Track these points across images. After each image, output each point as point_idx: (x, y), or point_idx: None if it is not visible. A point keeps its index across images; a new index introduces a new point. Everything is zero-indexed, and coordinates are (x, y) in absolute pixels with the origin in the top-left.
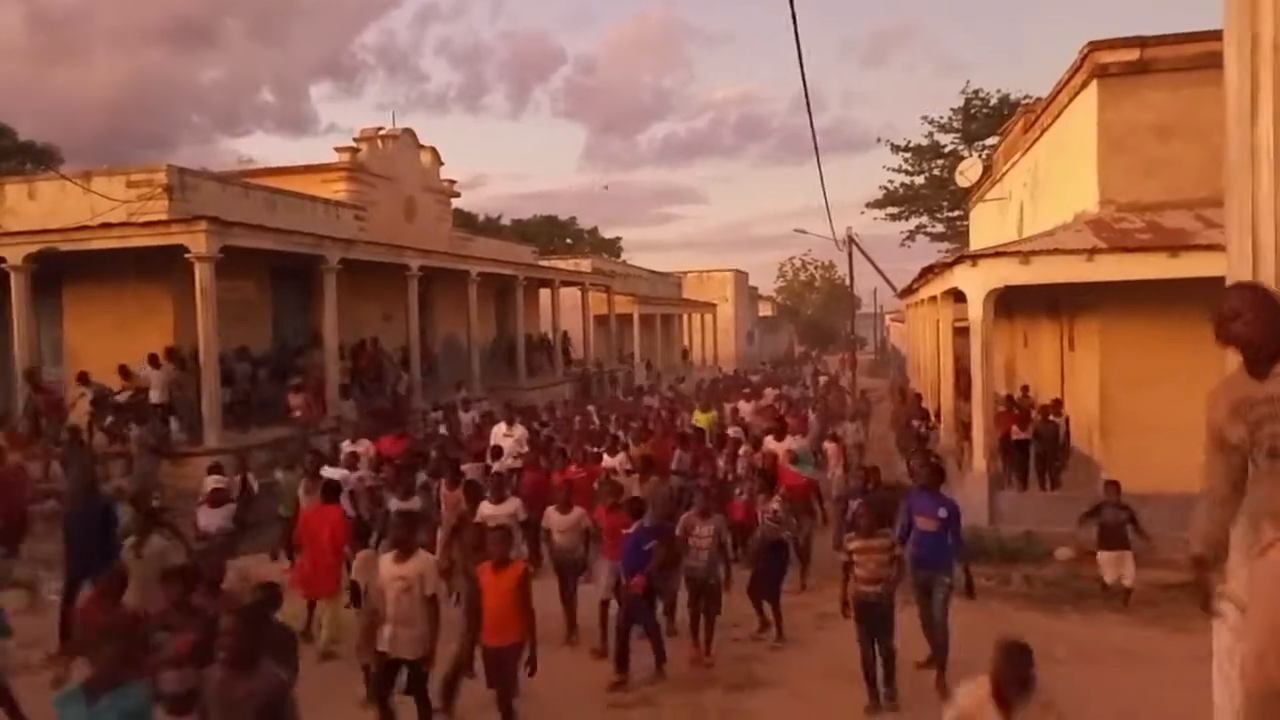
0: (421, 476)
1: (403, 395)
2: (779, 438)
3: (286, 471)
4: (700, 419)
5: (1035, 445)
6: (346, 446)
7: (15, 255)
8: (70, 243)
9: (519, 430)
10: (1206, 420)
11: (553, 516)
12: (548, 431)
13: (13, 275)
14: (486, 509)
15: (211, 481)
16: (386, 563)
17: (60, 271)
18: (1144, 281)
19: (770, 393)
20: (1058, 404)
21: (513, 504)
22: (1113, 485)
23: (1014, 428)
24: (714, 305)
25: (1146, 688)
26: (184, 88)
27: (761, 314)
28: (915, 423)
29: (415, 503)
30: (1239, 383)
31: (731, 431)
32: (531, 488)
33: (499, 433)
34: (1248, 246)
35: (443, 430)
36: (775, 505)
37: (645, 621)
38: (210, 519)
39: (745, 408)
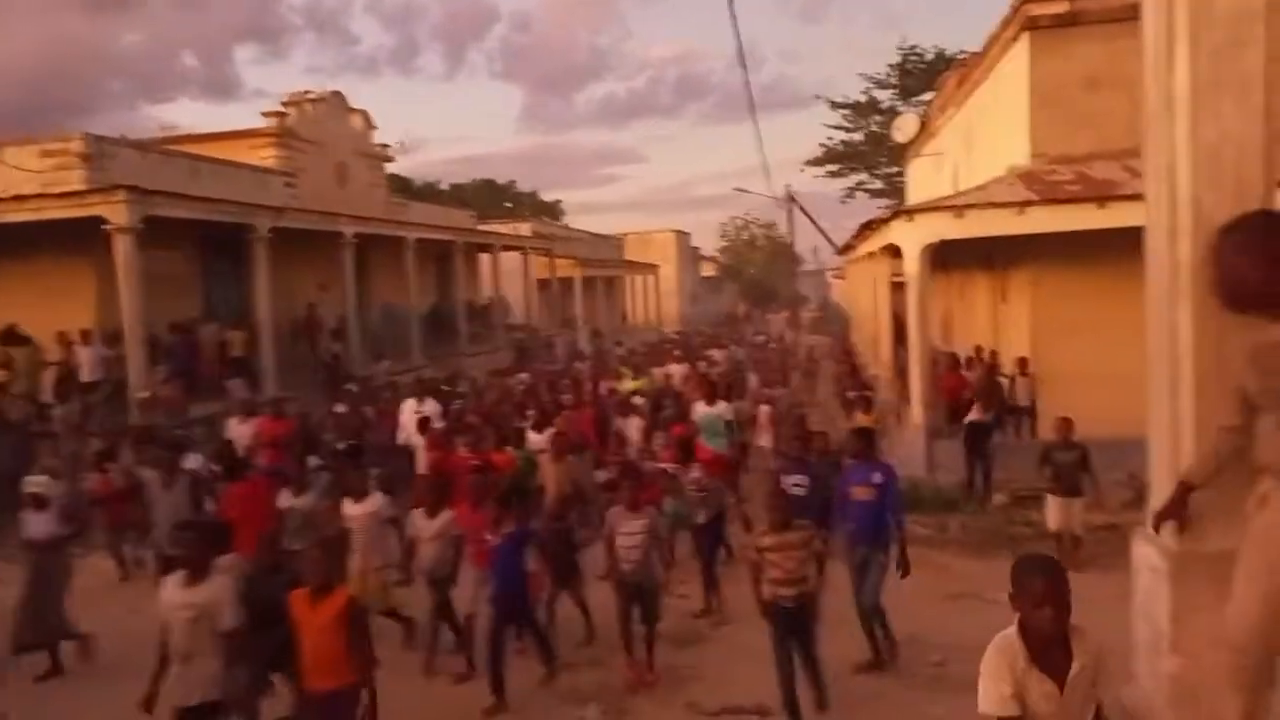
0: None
1: (332, 365)
2: (709, 403)
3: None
4: (628, 386)
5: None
6: (234, 425)
7: None
8: None
9: (430, 406)
10: (1236, 367)
11: (417, 520)
12: (460, 405)
13: None
14: (347, 508)
15: (31, 484)
16: (171, 587)
17: None
18: (1074, 233)
19: (719, 353)
20: (1022, 362)
21: (374, 501)
22: (1064, 422)
23: (975, 407)
24: (656, 267)
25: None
26: (102, 53)
27: (704, 274)
28: (849, 394)
29: (307, 500)
30: (1266, 329)
31: (637, 400)
32: (483, 458)
33: (408, 410)
34: (1165, 194)
35: (340, 410)
36: (696, 473)
37: (522, 622)
38: (36, 526)
39: (677, 371)
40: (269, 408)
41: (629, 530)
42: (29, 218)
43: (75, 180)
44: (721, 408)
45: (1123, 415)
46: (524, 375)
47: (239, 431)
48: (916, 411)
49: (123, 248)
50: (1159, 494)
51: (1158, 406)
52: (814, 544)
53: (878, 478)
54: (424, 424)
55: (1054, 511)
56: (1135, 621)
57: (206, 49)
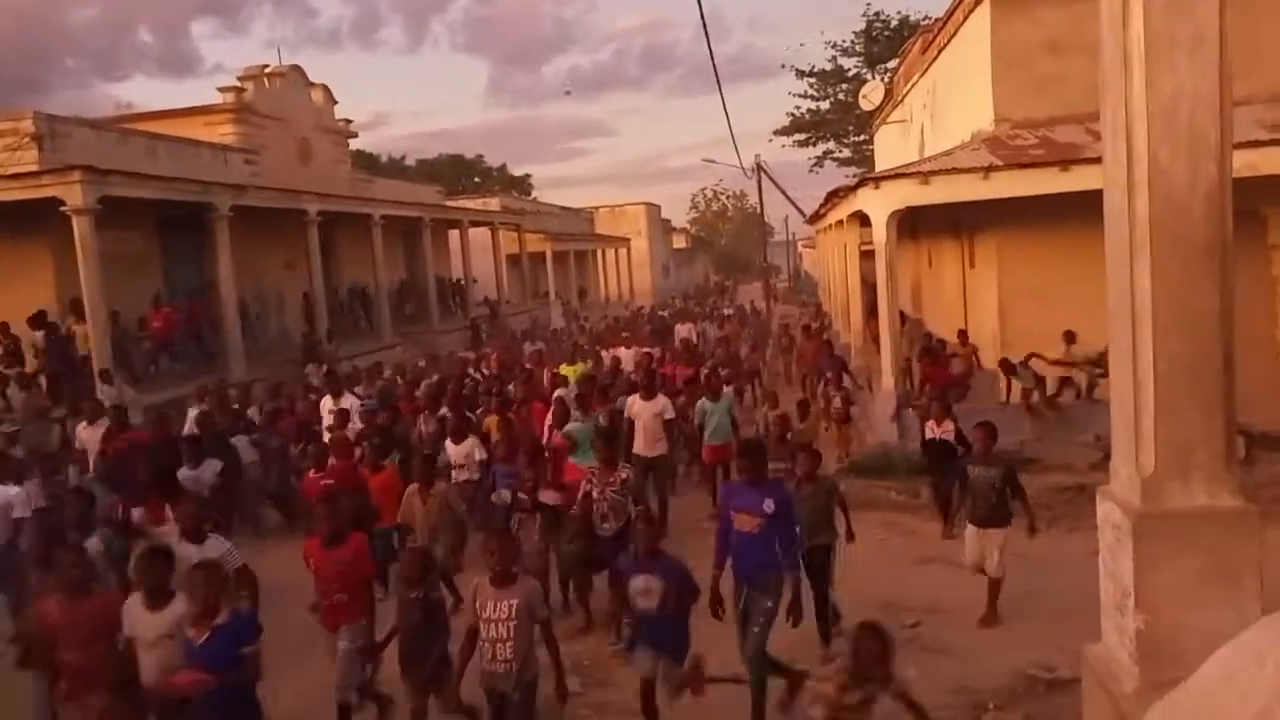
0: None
1: (306, 344)
2: (647, 395)
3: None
4: (568, 372)
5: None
6: (81, 430)
7: None
8: None
9: (350, 402)
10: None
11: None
12: (368, 404)
13: None
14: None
15: None
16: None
17: None
18: (1038, 197)
19: (684, 329)
20: (962, 335)
21: (216, 546)
22: (983, 432)
23: (930, 422)
24: (628, 240)
25: (1043, 586)
26: (54, 29)
27: (676, 246)
28: (832, 396)
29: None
30: None
31: (560, 393)
32: (340, 477)
33: (325, 408)
34: (1122, 151)
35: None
36: (625, 474)
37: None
38: None
39: (625, 355)
40: (118, 413)
41: (496, 616)
42: None
43: (29, 161)
44: (661, 403)
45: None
46: (469, 355)
47: (86, 436)
48: (887, 378)
49: (80, 229)
50: (1120, 449)
51: (1118, 363)
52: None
53: (769, 505)
54: (342, 425)
55: (969, 544)
56: (1102, 580)
57: (163, 24)
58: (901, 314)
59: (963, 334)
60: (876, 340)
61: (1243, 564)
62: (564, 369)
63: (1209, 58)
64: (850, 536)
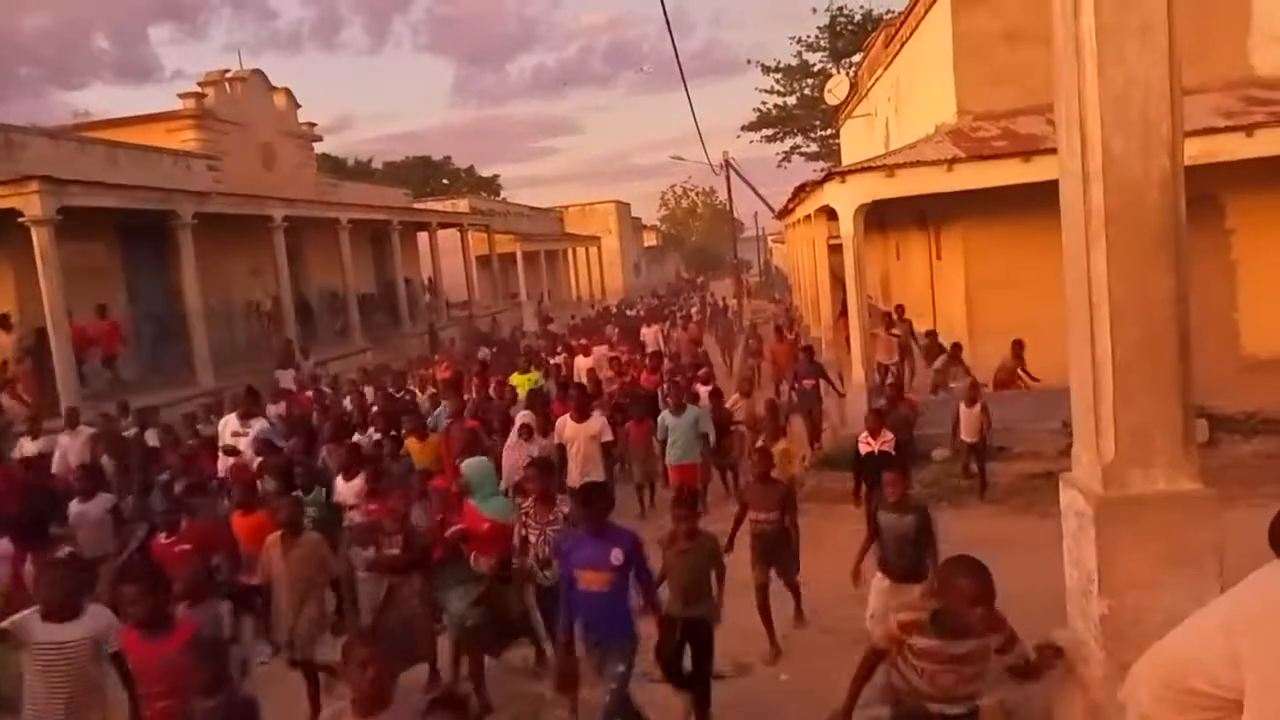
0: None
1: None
2: (579, 416)
3: None
4: (518, 383)
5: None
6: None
7: None
8: None
9: (259, 426)
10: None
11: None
12: (262, 430)
13: None
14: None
15: None
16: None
17: None
18: (1002, 188)
19: (649, 332)
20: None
21: (90, 623)
22: (894, 480)
23: (863, 434)
24: (598, 238)
25: (1015, 571)
26: (5, 37)
27: (647, 244)
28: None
29: None
30: None
31: (522, 416)
32: (201, 539)
33: (227, 431)
34: (1076, 141)
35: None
36: (566, 509)
37: None
38: None
39: (582, 364)
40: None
41: None
42: None
43: None
44: (597, 424)
45: (1056, 365)
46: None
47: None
48: (858, 371)
49: (40, 241)
50: (1080, 434)
51: (1077, 351)
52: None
53: (616, 556)
54: (264, 448)
55: (876, 599)
56: (1066, 567)
57: (120, 30)
58: (900, 308)
59: (899, 309)
60: (848, 341)
61: (1203, 547)
62: (515, 379)
63: (1158, 46)
64: (717, 614)
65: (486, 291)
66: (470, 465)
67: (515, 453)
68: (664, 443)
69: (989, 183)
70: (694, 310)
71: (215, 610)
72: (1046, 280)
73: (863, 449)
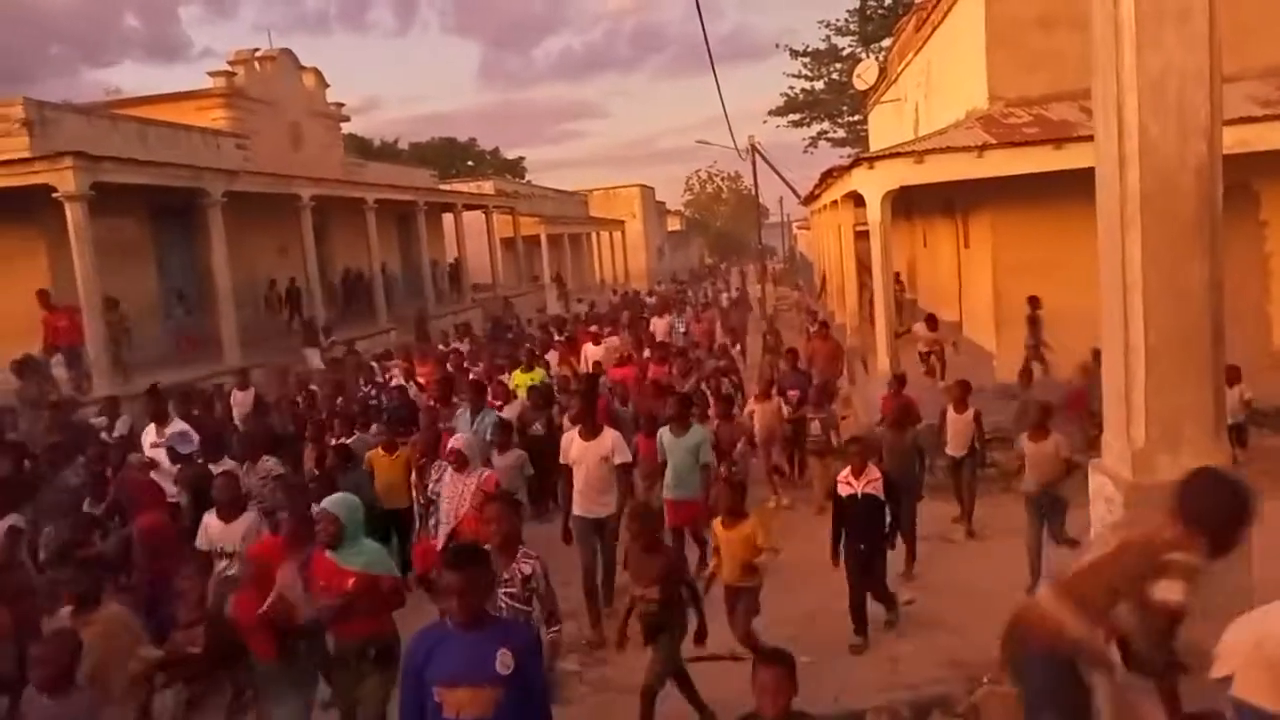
0: None
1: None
2: (588, 431)
3: None
4: (520, 381)
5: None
6: None
7: None
8: None
9: (176, 429)
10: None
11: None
12: (173, 440)
13: None
14: None
15: None
16: None
17: None
18: (1033, 175)
19: (660, 323)
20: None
21: None
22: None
23: (843, 474)
24: (622, 222)
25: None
26: (37, 16)
27: (671, 229)
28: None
29: None
30: None
31: (504, 414)
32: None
33: (148, 442)
34: (1113, 126)
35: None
36: (528, 567)
37: None
38: None
39: (594, 353)
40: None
41: None
42: None
43: (19, 147)
44: (609, 442)
45: (1083, 355)
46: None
47: None
48: (882, 359)
49: (74, 216)
50: (1111, 422)
51: (1110, 337)
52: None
53: (503, 662)
54: (177, 458)
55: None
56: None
57: (150, 9)
58: (931, 318)
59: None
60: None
61: None
62: (516, 377)
63: (1197, 32)
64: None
65: (511, 274)
66: (336, 503)
67: (451, 487)
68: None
69: (1020, 170)
70: (723, 297)
71: None
72: (1076, 270)
73: (842, 490)
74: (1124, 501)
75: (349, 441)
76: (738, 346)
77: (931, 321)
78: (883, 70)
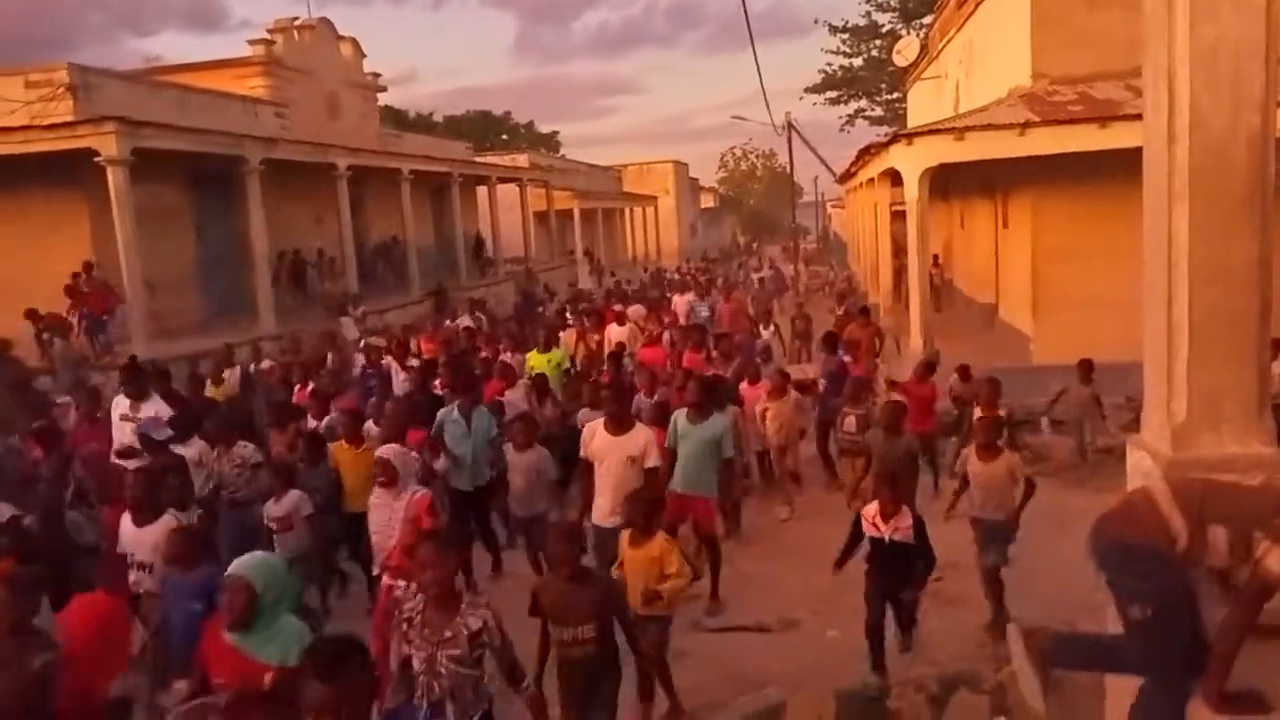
0: None
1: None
2: (617, 425)
3: None
4: (536, 363)
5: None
6: None
7: None
8: None
9: (155, 407)
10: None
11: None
12: (142, 427)
13: None
14: None
15: None
16: None
17: None
18: (1075, 154)
19: (681, 301)
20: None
21: None
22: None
23: (870, 511)
24: (655, 198)
25: (1065, 545)
26: None
27: (704, 206)
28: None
29: None
30: None
31: (511, 395)
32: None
33: (117, 413)
34: (1163, 97)
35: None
36: (477, 621)
37: None
38: None
39: (615, 334)
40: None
41: None
42: (16, 150)
43: (63, 112)
44: (641, 439)
45: (1124, 339)
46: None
47: None
48: (915, 339)
49: (115, 180)
50: (1151, 397)
51: (1153, 312)
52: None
53: None
54: (148, 444)
55: None
56: None
57: None
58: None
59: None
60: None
61: None
62: (532, 358)
63: (1253, 3)
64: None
65: (543, 248)
66: (251, 565)
67: (377, 512)
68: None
69: (1063, 149)
70: (754, 276)
71: None
72: (1117, 252)
73: (867, 530)
74: (1162, 477)
75: (322, 426)
76: (773, 328)
77: (964, 372)
78: (923, 47)
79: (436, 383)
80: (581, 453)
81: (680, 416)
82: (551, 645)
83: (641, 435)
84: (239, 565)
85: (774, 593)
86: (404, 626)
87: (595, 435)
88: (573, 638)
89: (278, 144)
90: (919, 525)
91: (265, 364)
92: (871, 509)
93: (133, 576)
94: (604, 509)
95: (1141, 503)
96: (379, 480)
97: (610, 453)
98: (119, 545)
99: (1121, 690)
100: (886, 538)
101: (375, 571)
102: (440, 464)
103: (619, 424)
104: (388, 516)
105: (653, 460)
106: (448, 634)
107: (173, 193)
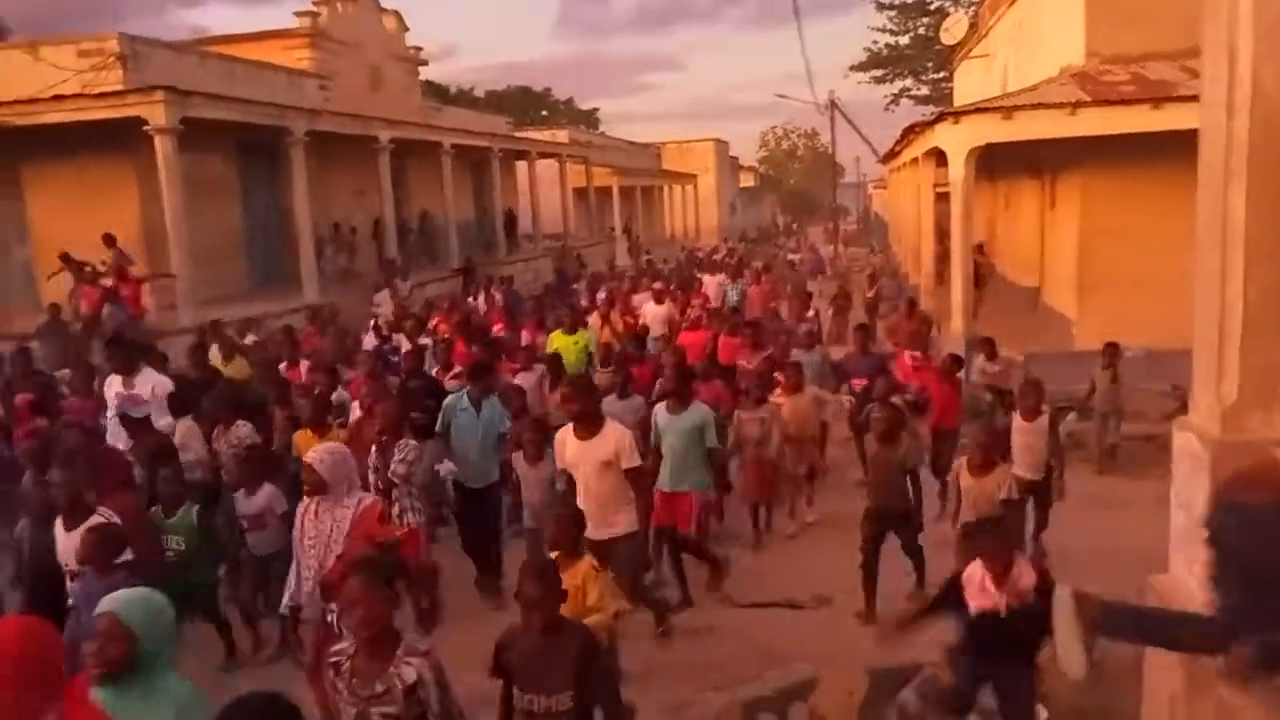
0: None
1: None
2: (584, 429)
3: None
4: (560, 345)
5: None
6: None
7: None
8: (23, 116)
9: (151, 379)
10: None
11: None
12: (132, 410)
13: None
14: None
15: None
16: None
17: (15, 148)
18: (1126, 135)
19: (711, 282)
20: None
21: None
22: None
23: (977, 573)
24: (694, 176)
25: (1106, 530)
26: None
27: (743, 185)
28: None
29: None
30: None
31: (522, 380)
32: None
33: (111, 393)
34: (1223, 70)
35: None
36: (411, 673)
37: None
38: None
39: (654, 314)
40: None
41: None
42: (68, 117)
43: (113, 80)
44: (612, 441)
45: (1172, 325)
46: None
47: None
48: (957, 321)
49: (163, 149)
50: (1201, 377)
51: (1205, 290)
52: None
53: None
54: (129, 424)
55: None
56: (1173, 511)
57: None
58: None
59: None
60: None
61: None
62: (557, 339)
63: None
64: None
65: (582, 225)
66: (128, 602)
67: (314, 523)
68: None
69: (1115, 129)
70: (792, 257)
71: None
72: (1167, 235)
73: (975, 602)
74: (1211, 459)
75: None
76: (812, 312)
77: (990, 349)
78: (973, 25)
79: (438, 368)
80: (557, 463)
81: (660, 409)
82: (516, 718)
83: (612, 435)
84: (113, 603)
85: (808, 570)
86: (331, 674)
87: (566, 442)
88: (545, 709)
89: (322, 116)
90: (1047, 583)
91: (250, 339)
92: (977, 573)
93: (69, 587)
94: (589, 524)
95: (1271, 466)
96: (304, 488)
97: (581, 460)
98: (54, 553)
99: (1162, 665)
100: (1002, 608)
101: (291, 603)
102: (445, 467)
103: (587, 426)
104: (325, 528)
105: (628, 460)
106: (379, 688)
107: (219, 162)
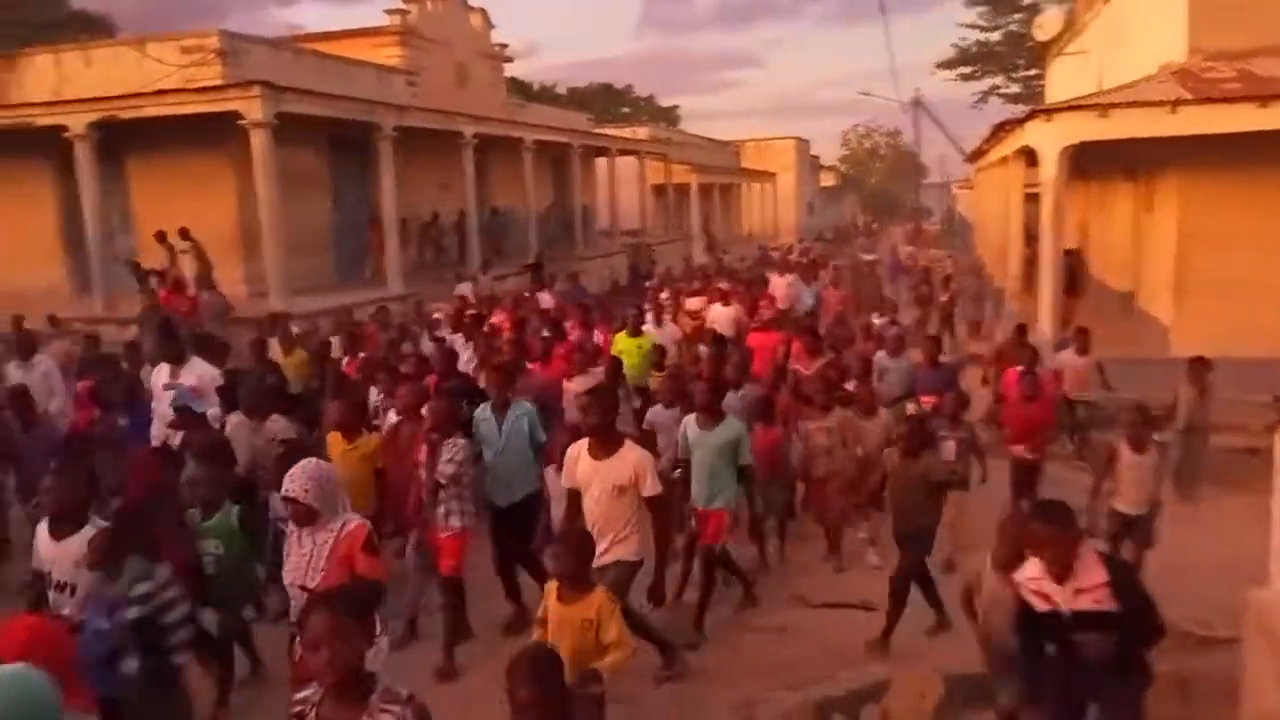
0: None
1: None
2: (601, 447)
3: None
4: (624, 347)
5: None
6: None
7: (78, 124)
8: (128, 110)
9: (199, 370)
10: None
11: None
12: (180, 396)
13: (77, 144)
14: None
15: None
16: None
17: (121, 140)
18: (1230, 135)
19: (780, 282)
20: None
21: None
22: None
23: (1034, 575)
24: (774, 175)
25: (1201, 546)
26: None
27: (823, 184)
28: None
29: None
30: None
31: (574, 386)
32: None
33: (158, 381)
34: None
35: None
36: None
37: None
38: None
39: (720, 315)
40: None
41: None
42: (170, 111)
43: (213, 76)
44: (630, 462)
45: (1275, 332)
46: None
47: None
48: (1044, 324)
49: (258, 143)
50: None
51: None
52: None
53: None
54: (184, 417)
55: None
56: (1274, 525)
57: None
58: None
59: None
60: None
61: None
62: (620, 341)
63: None
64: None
65: (659, 223)
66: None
67: (296, 547)
68: (687, 464)
69: (1218, 128)
70: (866, 258)
71: None
72: (1272, 238)
73: (1038, 604)
74: None
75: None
76: (887, 318)
77: (1082, 338)
78: (1068, 20)
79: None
80: (564, 481)
81: (689, 422)
82: None
83: (631, 457)
84: None
85: (883, 572)
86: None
87: (579, 459)
88: None
89: (409, 111)
90: (1122, 576)
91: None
92: (1033, 573)
93: (51, 598)
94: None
95: None
96: (291, 518)
97: (593, 481)
98: (34, 561)
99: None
100: (1065, 609)
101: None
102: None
103: (604, 443)
104: (306, 553)
105: (649, 487)
106: None
107: (311, 157)
